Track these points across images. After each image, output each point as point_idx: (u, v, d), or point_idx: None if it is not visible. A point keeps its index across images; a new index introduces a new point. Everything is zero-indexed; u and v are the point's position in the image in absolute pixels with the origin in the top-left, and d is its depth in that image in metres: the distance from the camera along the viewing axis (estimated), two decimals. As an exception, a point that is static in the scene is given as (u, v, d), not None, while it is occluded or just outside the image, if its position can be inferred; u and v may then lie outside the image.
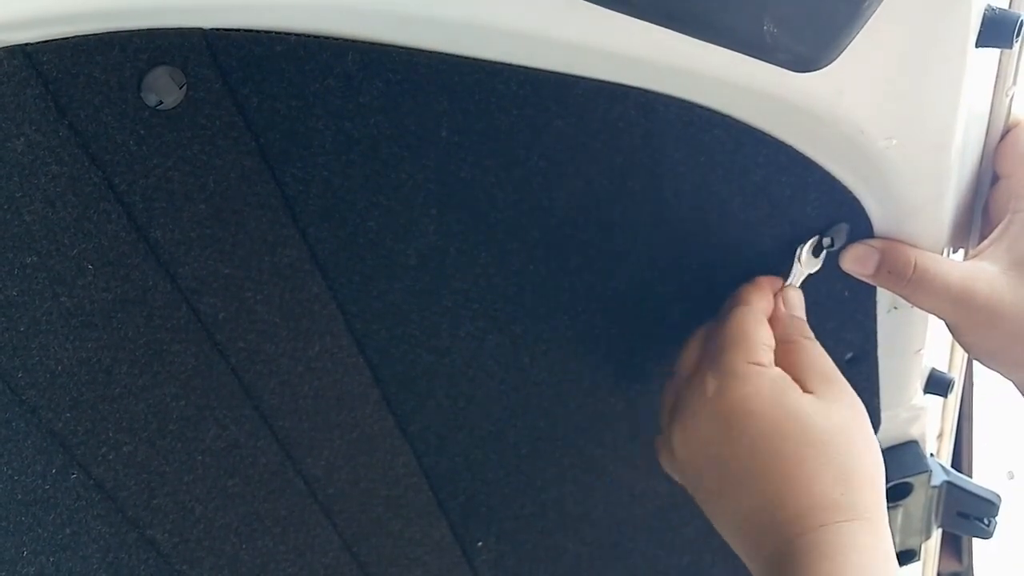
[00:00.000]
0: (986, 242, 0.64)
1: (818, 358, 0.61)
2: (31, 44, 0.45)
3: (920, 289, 0.62)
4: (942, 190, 0.60)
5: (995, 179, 0.66)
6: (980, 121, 0.63)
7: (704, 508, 0.61)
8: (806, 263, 0.64)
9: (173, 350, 0.57)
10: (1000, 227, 0.63)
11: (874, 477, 0.58)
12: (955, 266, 0.62)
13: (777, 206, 0.60)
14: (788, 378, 0.59)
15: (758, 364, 0.59)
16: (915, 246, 0.63)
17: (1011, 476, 1.65)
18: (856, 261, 0.64)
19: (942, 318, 0.65)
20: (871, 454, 0.59)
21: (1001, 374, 0.66)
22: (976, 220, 0.67)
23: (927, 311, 0.65)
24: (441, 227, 0.58)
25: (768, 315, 0.63)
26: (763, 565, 0.56)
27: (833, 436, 0.57)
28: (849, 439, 0.58)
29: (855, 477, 0.57)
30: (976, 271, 0.62)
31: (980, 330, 0.63)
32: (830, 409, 0.58)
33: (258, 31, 0.48)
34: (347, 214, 0.56)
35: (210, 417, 0.61)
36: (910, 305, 0.65)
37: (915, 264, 0.62)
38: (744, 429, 0.57)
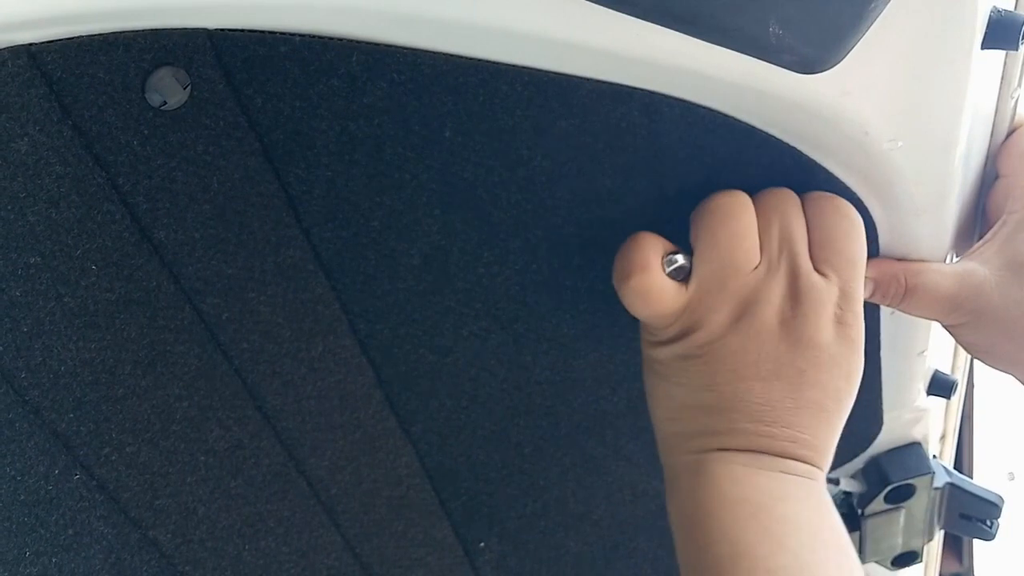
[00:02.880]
0: (979, 243, 0.64)
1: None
2: (35, 44, 0.45)
3: (912, 303, 0.63)
4: (946, 192, 0.59)
5: (995, 178, 0.66)
6: (985, 123, 0.63)
7: (699, 366, 0.58)
8: None
9: (176, 351, 0.57)
10: (994, 227, 0.64)
11: None
12: (945, 273, 0.62)
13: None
14: None
15: None
16: (919, 248, 0.63)
17: (1011, 477, 1.65)
18: None
19: (935, 321, 0.66)
20: None
21: (1004, 372, 0.67)
22: (979, 222, 0.67)
23: (922, 318, 0.65)
24: (444, 227, 0.58)
25: None
26: (740, 450, 0.57)
27: (848, 399, 0.60)
28: (850, 404, 0.60)
29: (835, 438, 0.60)
30: (965, 274, 0.62)
31: (971, 330, 0.64)
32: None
33: (262, 31, 0.48)
34: (351, 214, 0.56)
35: (213, 418, 0.61)
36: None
37: (905, 284, 0.63)
38: (839, 365, 0.58)
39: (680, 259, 0.58)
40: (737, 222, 0.57)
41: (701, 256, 0.57)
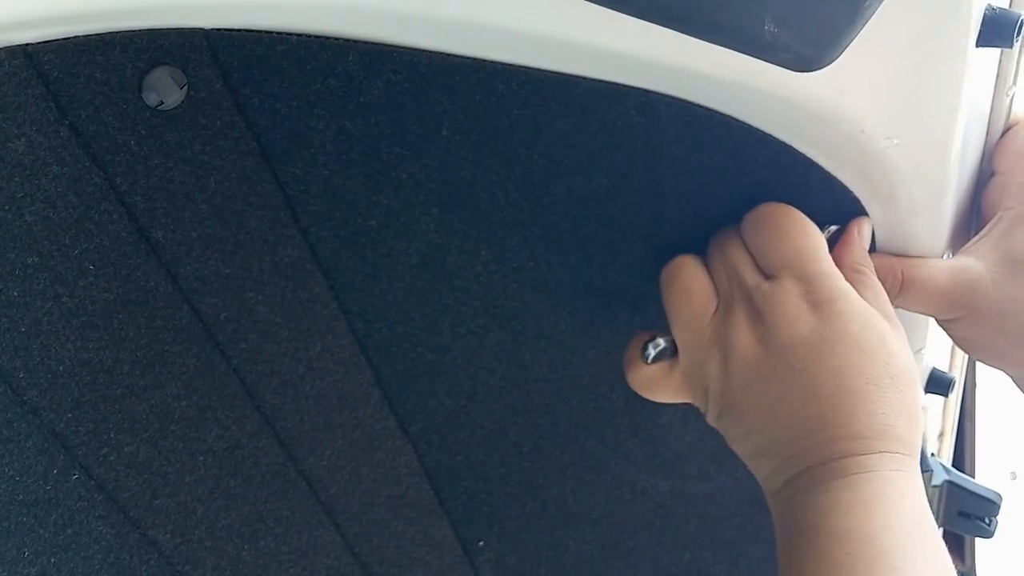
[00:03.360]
0: (975, 238, 0.64)
1: (883, 294, 0.60)
2: (32, 44, 0.45)
3: (908, 298, 0.63)
4: (943, 190, 0.60)
5: (991, 175, 0.66)
6: (981, 121, 0.63)
7: (729, 412, 0.58)
8: None
9: (175, 350, 0.57)
10: (990, 224, 0.64)
11: (921, 426, 0.58)
12: (941, 268, 0.62)
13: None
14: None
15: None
16: (915, 246, 0.63)
17: (1014, 476, 1.65)
18: None
19: (931, 316, 0.65)
20: (922, 404, 0.58)
21: (996, 368, 0.67)
22: (975, 219, 0.68)
23: (917, 313, 0.65)
24: (442, 226, 0.58)
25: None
26: (795, 474, 0.55)
27: (907, 372, 0.56)
28: (917, 381, 0.58)
29: (916, 419, 0.56)
30: (961, 270, 0.62)
31: (966, 326, 0.64)
32: (904, 345, 0.58)
33: (259, 31, 0.48)
34: (348, 213, 0.56)
35: (212, 417, 0.61)
36: (909, 305, 0.66)
37: (901, 276, 0.62)
38: (838, 343, 0.55)
39: (661, 341, 0.61)
40: (681, 281, 0.59)
41: (672, 325, 0.60)
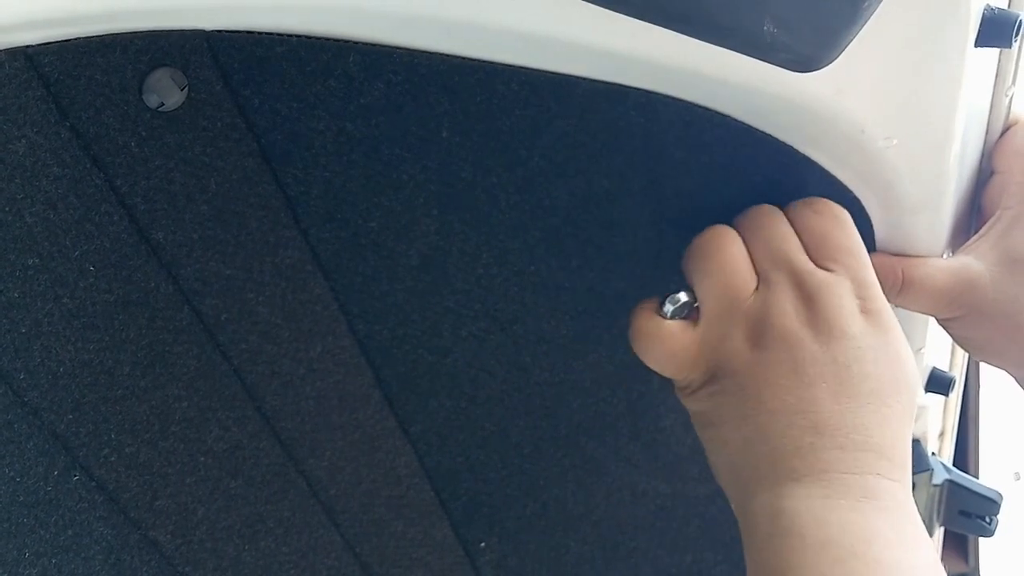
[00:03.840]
0: (974, 238, 0.65)
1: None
2: (32, 46, 0.45)
3: (908, 296, 0.63)
4: (942, 189, 0.60)
5: (990, 175, 0.66)
6: (980, 120, 0.63)
7: (737, 392, 0.56)
8: None
9: (175, 351, 0.57)
10: (989, 223, 0.64)
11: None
12: (940, 267, 0.63)
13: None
14: None
15: None
16: (915, 245, 0.63)
17: (1018, 477, 1.65)
18: None
19: (931, 316, 0.66)
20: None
21: (995, 367, 0.67)
22: (975, 218, 0.68)
23: (917, 312, 0.65)
24: (442, 227, 0.58)
25: None
26: (782, 490, 0.53)
27: (908, 387, 0.56)
28: (914, 394, 0.57)
29: (908, 437, 0.56)
30: (960, 269, 0.62)
31: (967, 325, 0.64)
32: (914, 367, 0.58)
33: (259, 32, 0.48)
34: (349, 215, 0.56)
35: (212, 418, 0.61)
36: (909, 304, 0.66)
37: (901, 275, 0.62)
38: (882, 353, 0.55)
39: (683, 296, 0.58)
40: (725, 252, 0.57)
41: (701, 292, 0.57)
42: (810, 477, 0.53)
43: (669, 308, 0.58)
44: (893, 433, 0.54)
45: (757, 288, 0.56)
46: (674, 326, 0.58)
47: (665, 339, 0.58)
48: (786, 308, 0.55)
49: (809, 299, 0.55)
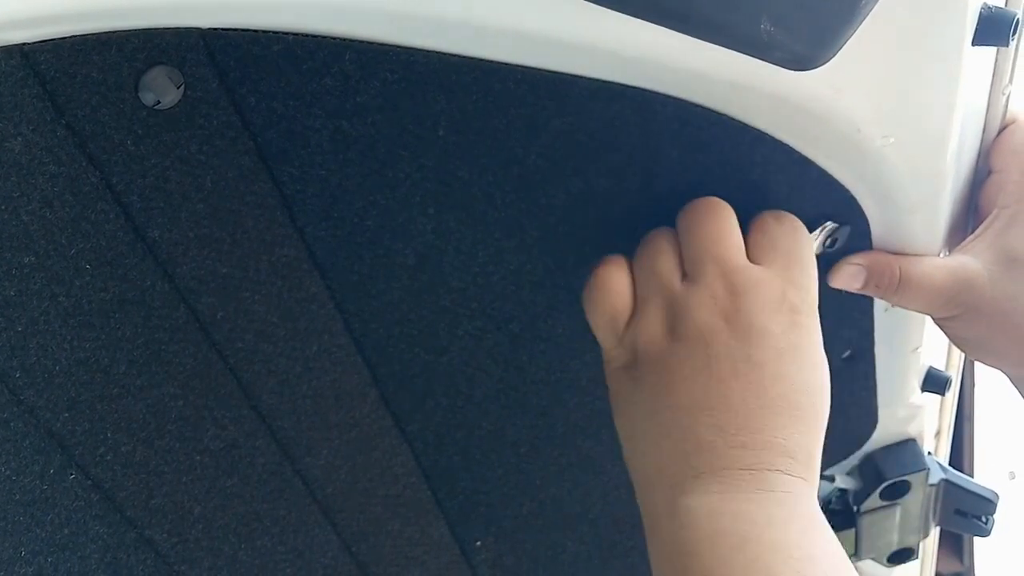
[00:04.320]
0: (971, 236, 0.65)
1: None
2: (28, 44, 0.45)
3: (906, 294, 0.63)
4: (939, 188, 0.60)
5: (988, 174, 0.66)
6: (977, 119, 0.63)
7: (631, 417, 0.58)
8: None
9: (171, 350, 0.57)
10: (986, 222, 0.64)
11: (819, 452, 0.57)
12: (938, 266, 0.63)
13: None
14: None
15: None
16: (912, 244, 0.63)
17: (1012, 476, 1.65)
18: (843, 279, 0.64)
19: (928, 314, 0.66)
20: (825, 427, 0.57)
21: (991, 367, 0.67)
22: (972, 217, 0.68)
23: (914, 311, 0.65)
24: (439, 226, 0.58)
25: None
26: (681, 487, 0.54)
27: (821, 392, 0.56)
28: (826, 401, 0.56)
29: (818, 441, 0.56)
30: (957, 268, 0.62)
31: (964, 324, 0.64)
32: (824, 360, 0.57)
33: (256, 31, 0.48)
34: (345, 213, 0.56)
35: (208, 417, 0.61)
36: (906, 304, 0.66)
37: (899, 272, 0.62)
38: (756, 347, 0.55)
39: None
40: (654, 242, 0.58)
41: (637, 276, 0.59)
42: (708, 474, 0.53)
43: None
44: (800, 434, 0.54)
45: (683, 281, 0.57)
46: (621, 282, 0.59)
47: (607, 287, 0.59)
48: (707, 301, 0.55)
49: (734, 294, 0.55)
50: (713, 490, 0.53)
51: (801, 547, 0.51)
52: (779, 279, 0.56)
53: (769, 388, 0.54)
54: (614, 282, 0.58)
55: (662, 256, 0.58)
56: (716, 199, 0.58)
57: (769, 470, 0.53)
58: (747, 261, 0.57)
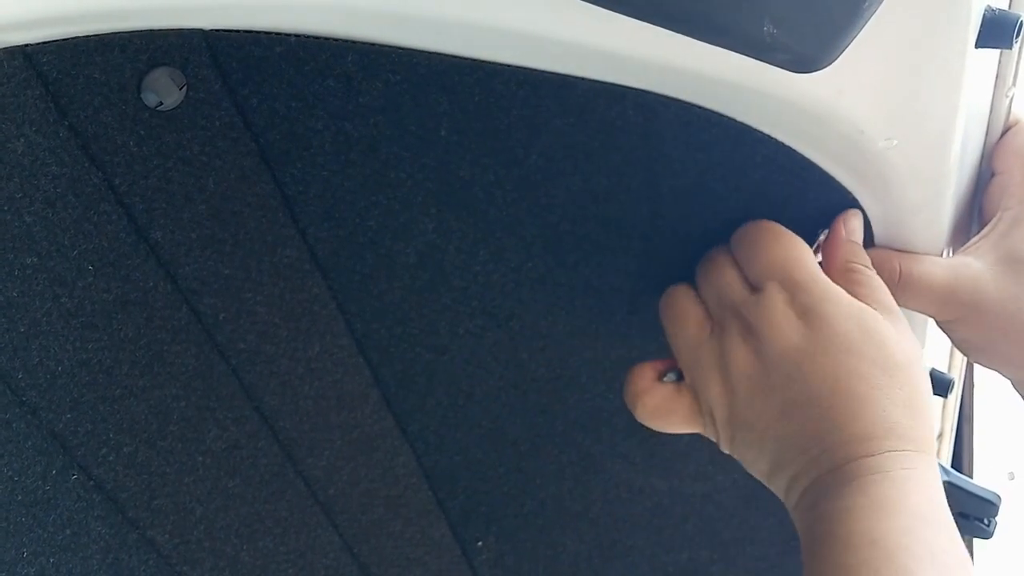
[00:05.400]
0: (975, 238, 0.64)
1: (881, 288, 0.60)
2: (31, 45, 0.45)
3: (906, 293, 0.62)
4: (941, 191, 0.59)
5: (991, 176, 0.66)
6: (980, 122, 0.63)
7: (738, 434, 0.58)
8: None
9: (173, 351, 0.57)
10: (990, 224, 0.64)
11: (931, 415, 0.58)
12: (940, 265, 0.62)
13: (775, 207, 0.60)
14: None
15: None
16: (914, 246, 0.63)
17: (1012, 477, 1.65)
18: None
19: (930, 316, 0.65)
20: (930, 393, 0.58)
21: (995, 371, 0.67)
22: (975, 219, 0.68)
23: (914, 311, 0.65)
24: (440, 226, 0.58)
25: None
26: (808, 485, 0.55)
27: (906, 365, 0.56)
28: (918, 372, 0.57)
29: (922, 411, 0.56)
30: (960, 268, 0.62)
31: (966, 326, 0.64)
32: (902, 337, 0.57)
33: (258, 32, 0.48)
34: (347, 214, 0.56)
35: (210, 418, 0.61)
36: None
37: (900, 271, 0.62)
38: (828, 346, 0.55)
39: (675, 374, 0.62)
40: (673, 309, 0.61)
41: (673, 349, 0.61)
42: (823, 484, 0.54)
43: (672, 376, 0.62)
44: (879, 415, 0.55)
45: (712, 333, 0.59)
46: (666, 389, 0.62)
47: (666, 408, 0.62)
48: (737, 345, 0.57)
49: (749, 331, 0.57)
50: (803, 507, 0.55)
51: (872, 537, 0.52)
52: (776, 292, 0.57)
53: (818, 395, 0.55)
54: (690, 308, 0.60)
55: (688, 324, 0.60)
56: (717, 250, 0.61)
57: (860, 457, 0.54)
58: (746, 295, 0.58)
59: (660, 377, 0.62)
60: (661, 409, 0.61)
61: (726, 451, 0.60)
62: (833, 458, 0.54)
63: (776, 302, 0.57)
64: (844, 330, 0.56)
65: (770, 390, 0.56)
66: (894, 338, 0.57)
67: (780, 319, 0.56)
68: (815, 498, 0.54)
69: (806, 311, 0.56)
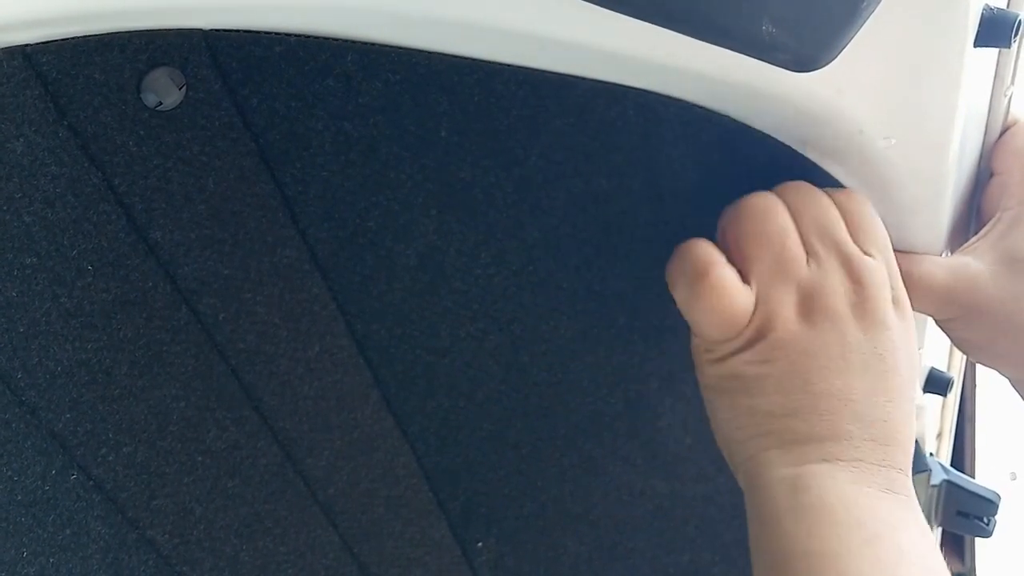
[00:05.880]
0: (974, 238, 0.65)
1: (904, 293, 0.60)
2: (31, 45, 0.45)
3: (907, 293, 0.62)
4: (941, 190, 0.60)
5: (990, 176, 0.66)
6: (979, 121, 0.63)
7: (781, 361, 0.56)
8: None
9: (173, 351, 0.57)
10: (989, 224, 0.64)
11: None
12: (939, 264, 0.63)
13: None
14: None
15: None
16: (914, 246, 0.63)
17: (1013, 477, 1.65)
18: None
19: (929, 315, 0.66)
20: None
21: (994, 369, 0.67)
22: (974, 219, 0.68)
23: (914, 311, 0.65)
24: (441, 227, 0.58)
25: None
26: (807, 467, 0.54)
27: (914, 386, 0.58)
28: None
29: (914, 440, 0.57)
30: (959, 268, 0.62)
31: (965, 325, 0.64)
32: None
33: (257, 32, 0.48)
34: (347, 214, 0.56)
35: (210, 418, 0.61)
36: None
37: (899, 271, 0.62)
38: (908, 345, 0.56)
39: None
40: (778, 220, 0.56)
41: (753, 255, 0.56)
42: (843, 462, 0.54)
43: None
44: (910, 428, 0.56)
45: (808, 263, 0.56)
46: (735, 278, 0.56)
47: (727, 290, 0.55)
48: (837, 288, 0.55)
49: (857, 283, 0.56)
50: (845, 479, 0.54)
51: (919, 554, 0.53)
52: (884, 268, 0.57)
53: (891, 381, 0.55)
54: (730, 283, 0.56)
55: (790, 239, 0.56)
56: (810, 185, 0.58)
57: (894, 468, 0.54)
58: (859, 249, 0.57)
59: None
60: (728, 289, 0.55)
61: (731, 368, 0.57)
62: (884, 453, 0.54)
63: (885, 276, 0.57)
64: (912, 343, 0.57)
65: (856, 347, 0.55)
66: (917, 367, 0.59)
67: (887, 294, 0.56)
68: (851, 483, 0.53)
69: (901, 305, 0.57)
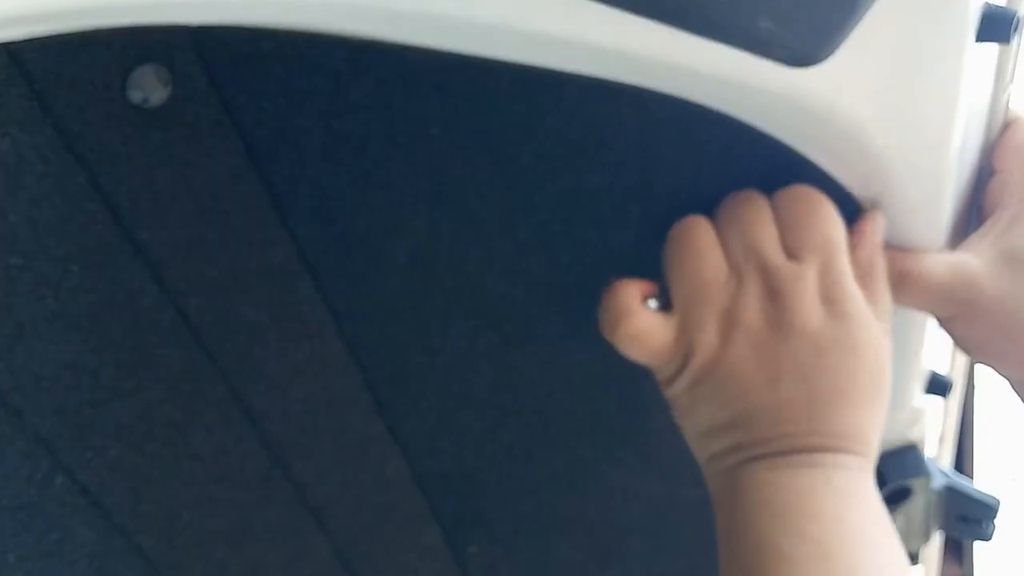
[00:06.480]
0: (974, 235, 0.64)
1: (886, 300, 0.60)
2: (15, 43, 0.45)
3: (906, 290, 0.62)
4: (941, 188, 0.59)
5: (990, 173, 0.66)
6: (979, 118, 0.63)
7: (709, 383, 0.58)
8: None
9: (160, 353, 0.57)
10: (989, 221, 0.64)
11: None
12: (938, 261, 0.62)
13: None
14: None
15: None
16: (913, 243, 0.63)
17: (1014, 480, 1.66)
18: None
19: (929, 312, 0.65)
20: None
21: (993, 369, 0.67)
22: (975, 216, 0.67)
23: (913, 308, 0.65)
24: (432, 226, 0.58)
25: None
26: (761, 454, 0.57)
27: (886, 388, 0.59)
28: (887, 397, 0.59)
29: (879, 432, 0.59)
30: (959, 265, 0.62)
31: (965, 323, 0.64)
32: (888, 356, 0.59)
33: (245, 28, 0.47)
34: (336, 213, 0.56)
35: (197, 421, 0.61)
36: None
37: (899, 268, 0.62)
38: (841, 344, 0.56)
39: (657, 301, 0.60)
40: (695, 243, 0.58)
41: (674, 282, 0.59)
42: (765, 456, 0.56)
43: (654, 303, 0.59)
44: (855, 421, 0.57)
45: (728, 280, 0.58)
46: (655, 320, 0.59)
47: (644, 332, 0.58)
48: (752, 303, 0.57)
49: (774, 295, 0.56)
50: (763, 467, 0.57)
51: (836, 511, 0.55)
52: (814, 272, 0.57)
53: (815, 382, 0.56)
54: (643, 329, 0.59)
55: (706, 261, 0.58)
56: (750, 193, 0.59)
57: (818, 450, 0.56)
58: (782, 258, 0.57)
59: (644, 300, 0.60)
60: (641, 335, 0.58)
61: (671, 393, 0.60)
62: (805, 441, 0.56)
63: (813, 281, 0.57)
64: (860, 338, 0.57)
65: (772, 358, 0.56)
66: (887, 362, 0.59)
67: (811, 299, 0.56)
68: (768, 466, 0.56)
69: (833, 302, 0.57)
